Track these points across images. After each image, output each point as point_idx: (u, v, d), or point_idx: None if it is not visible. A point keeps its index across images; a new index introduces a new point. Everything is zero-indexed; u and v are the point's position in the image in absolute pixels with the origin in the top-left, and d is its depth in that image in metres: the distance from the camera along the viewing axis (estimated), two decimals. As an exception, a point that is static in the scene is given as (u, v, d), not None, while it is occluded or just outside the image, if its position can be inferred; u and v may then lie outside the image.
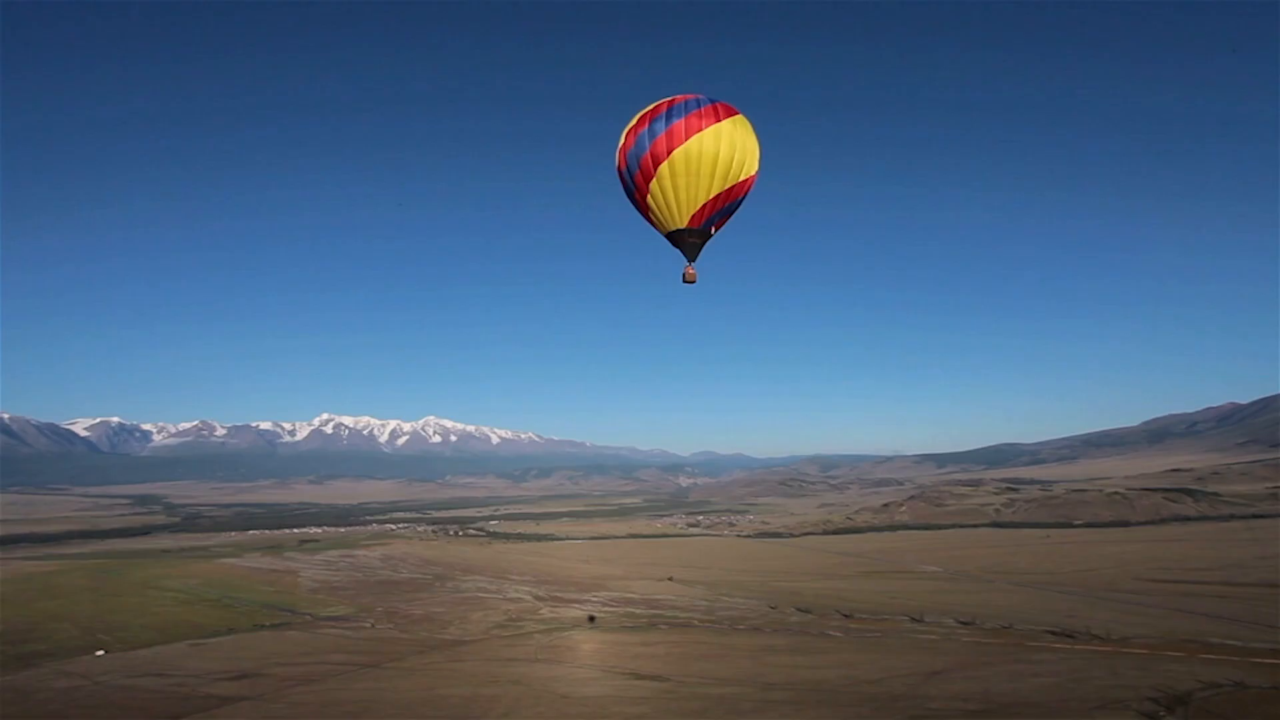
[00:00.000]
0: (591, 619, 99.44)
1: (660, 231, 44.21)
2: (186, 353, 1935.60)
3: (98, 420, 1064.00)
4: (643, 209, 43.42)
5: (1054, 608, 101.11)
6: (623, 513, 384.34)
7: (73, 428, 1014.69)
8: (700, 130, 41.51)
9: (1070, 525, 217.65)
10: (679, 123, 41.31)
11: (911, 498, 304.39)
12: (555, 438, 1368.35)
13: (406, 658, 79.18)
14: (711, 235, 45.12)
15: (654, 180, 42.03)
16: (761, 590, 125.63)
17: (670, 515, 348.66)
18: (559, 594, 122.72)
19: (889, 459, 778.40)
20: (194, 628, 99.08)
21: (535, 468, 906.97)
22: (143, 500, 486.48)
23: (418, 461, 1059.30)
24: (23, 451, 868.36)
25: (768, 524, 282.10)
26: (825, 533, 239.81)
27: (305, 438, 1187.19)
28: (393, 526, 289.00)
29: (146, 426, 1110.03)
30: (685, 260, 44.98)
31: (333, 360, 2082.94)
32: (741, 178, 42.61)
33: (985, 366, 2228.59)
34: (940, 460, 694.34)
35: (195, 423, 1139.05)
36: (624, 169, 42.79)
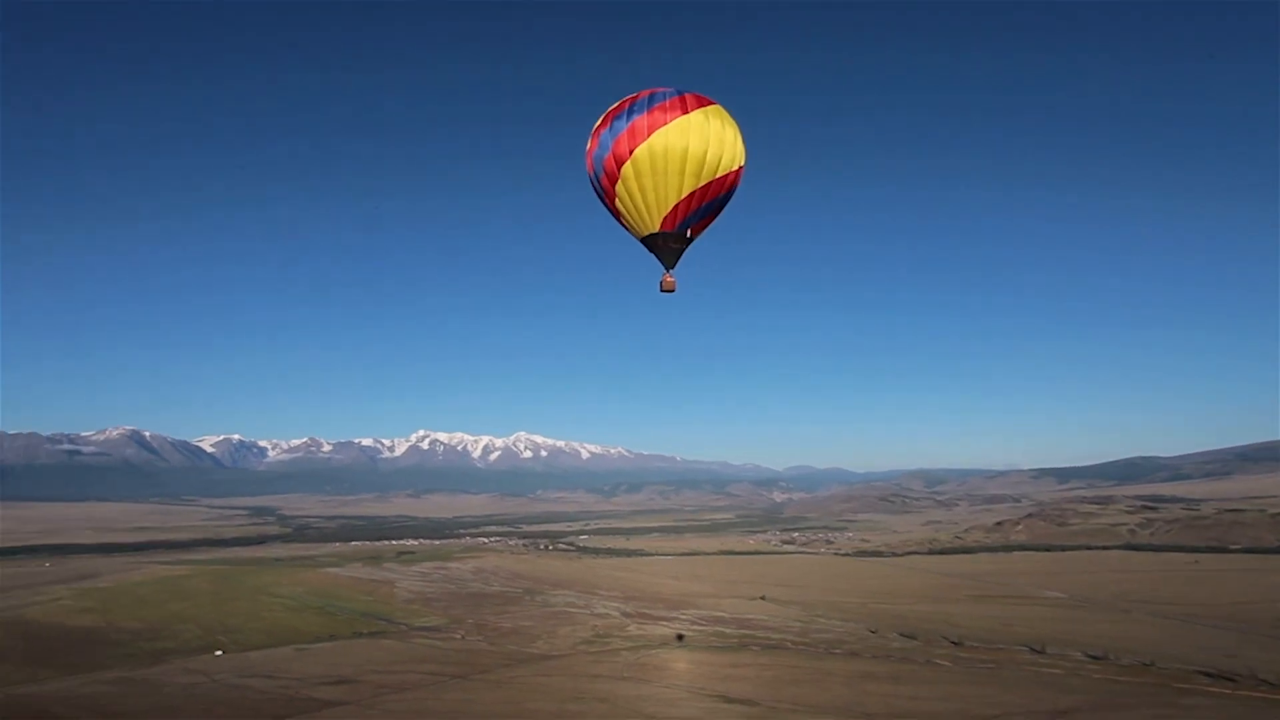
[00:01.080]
0: (680, 637, 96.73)
1: (635, 236, 41.13)
2: (297, 374, 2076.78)
3: (221, 437, 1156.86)
4: (615, 214, 40.65)
5: (1208, 644, 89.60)
6: (714, 528, 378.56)
7: (201, 444, 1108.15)
8: (664, 124, 38.27)
9: (1225, 550, 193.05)
10: (641, 118, 38.26)
11: (1029, 516, 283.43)
12: (645, 452, 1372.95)
13: (494, 670, 79.14)
14: (691, 240, 41.54)
15: (619, 182, 39.18)
16: (860, 612, 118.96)
17: (763, 532, 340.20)
18: (647, 611, 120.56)
19: (1002, 474, 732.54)
20: (299, 633, 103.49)
21: (625, 482, 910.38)
22: (259, 512, 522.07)
23: (509, 476, 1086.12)
24: (160, 466, 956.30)
25: (867, 542, 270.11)
26: (931, 552, 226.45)
27: (403, 453, 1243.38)
28: (485, 540, 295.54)
29: (263, 443, 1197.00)
30: (663, 268, 41.11)
31: (429, 379, 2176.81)
32: (719, 174, 39.19)
33: (1114, 370, 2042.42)
34: (1062, 475, 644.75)
35: (304, 440, 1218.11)
36: (591, 172, 40.21)
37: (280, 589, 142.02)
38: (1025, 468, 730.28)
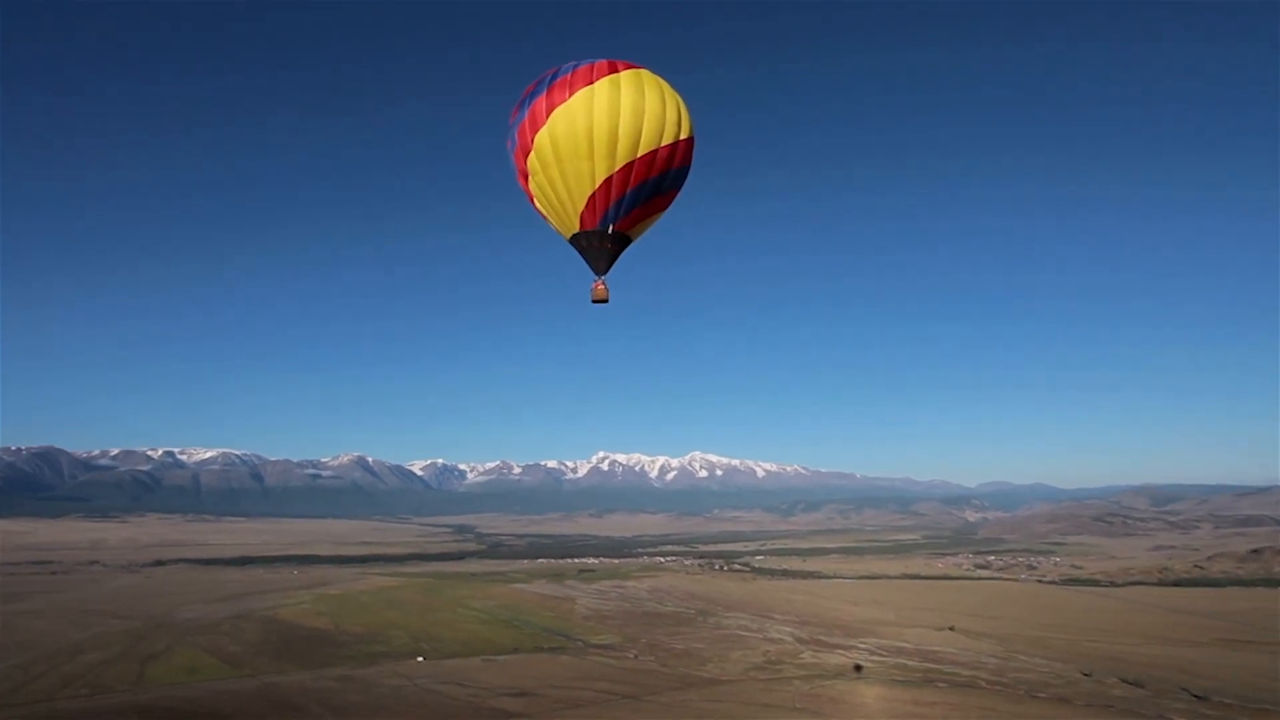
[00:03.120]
0: (858, 668, 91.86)
1: (564, 237, 34.67)
2: (491, 402, 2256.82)
3: (429, 461, 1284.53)
4: (542, 216, 34.82)
5: None
6: (898, 550, 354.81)
7: (412, 468, 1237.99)
8: (565, 101, 31.68)
9: None
10: (540, 100, 32.28)
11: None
12: (823, 469, 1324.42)
13: (664, 693, 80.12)
14: (627, 238, 33.98)
15: (530, 179, 33.43)
16: (1070, 651, 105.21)
17: (954, 554, 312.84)
18: (823, 637, 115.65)
19: (1261, 490, 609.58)
20: (489, 644, 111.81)
21: (803, 501, 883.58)
22: (460, 529, 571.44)
23: (686, 496, 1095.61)
24: (380, 488, 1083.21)
25: (1079, 569, 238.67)
26: (1161, 583, 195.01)
27: (585, 474, 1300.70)
28: (661, 559, 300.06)
29: (462, 466, 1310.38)
30: (593, 274, 34.10)
31: (607, 402, 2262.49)
32: (642, 152, 31.64)
33: None
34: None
35: (497, 463, 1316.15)
36: (513, 170, 34.64)
37: (475, 602, 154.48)
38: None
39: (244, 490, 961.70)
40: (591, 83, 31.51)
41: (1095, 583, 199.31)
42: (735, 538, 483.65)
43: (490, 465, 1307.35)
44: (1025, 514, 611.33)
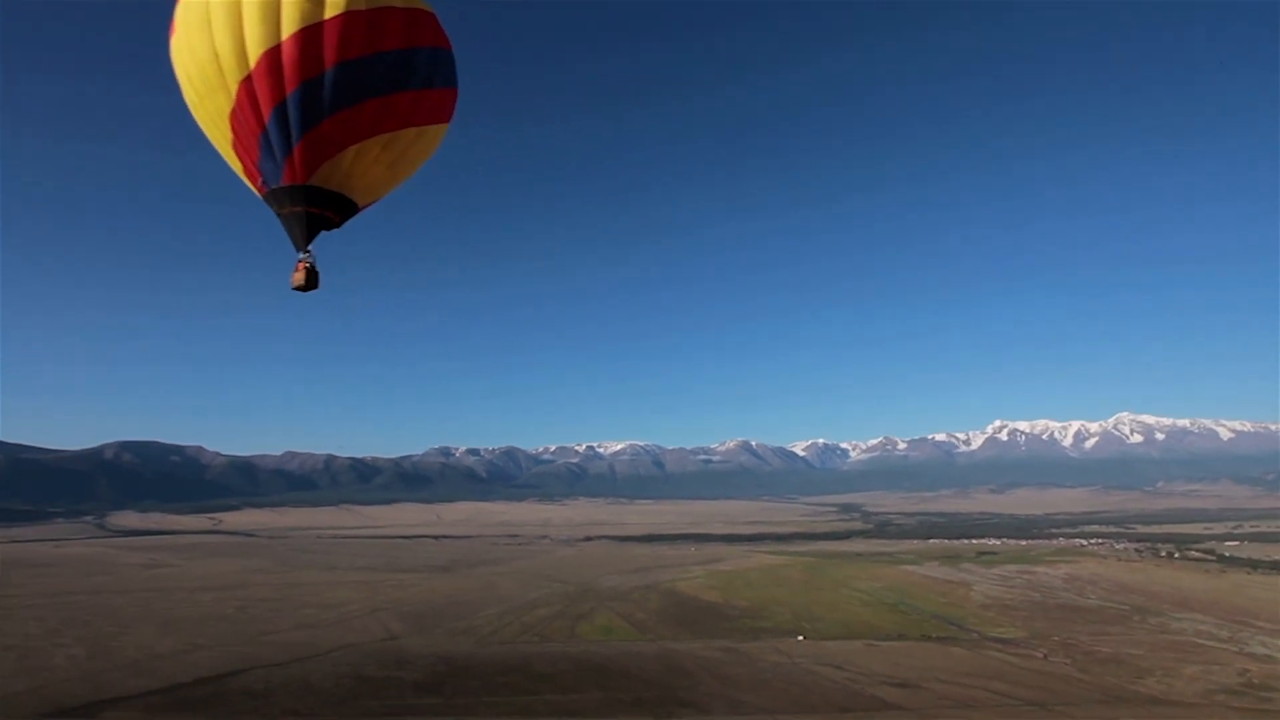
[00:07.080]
0: None
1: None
2: (871, 378, 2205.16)
3: (810, 442, 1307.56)
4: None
5: None
6: None
7: (794, 449, 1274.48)
8: (174, 30, 21.62)
9: None
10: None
11: None
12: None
13: (1082, 705, 66.85)
14: (333, 195, 21.72)
15: (213, 142, 23.26)
16: None
17: None
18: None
19: None
20: (871, 628, 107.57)
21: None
22: (845, 508, 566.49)
23: (1113, 466, 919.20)
24: (765, 470, 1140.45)
25: None
26: None
27: (980, 446, 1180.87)
28: (1082, 542, 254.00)
29: (844, 445, 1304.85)
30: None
31: (1001, 365, 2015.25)
32: (253, 64, 19.78)
33: None
34: None
35: (880, 439, 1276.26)
36: None
37: (858, 583, 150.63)
38: None
39: (649, 476, 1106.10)
40: None
41: None
42: (1190, 517, 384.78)
43: (873, 442, 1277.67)
44: None
